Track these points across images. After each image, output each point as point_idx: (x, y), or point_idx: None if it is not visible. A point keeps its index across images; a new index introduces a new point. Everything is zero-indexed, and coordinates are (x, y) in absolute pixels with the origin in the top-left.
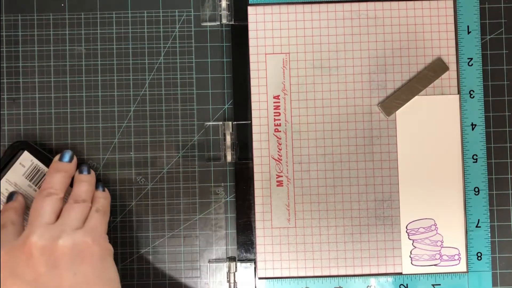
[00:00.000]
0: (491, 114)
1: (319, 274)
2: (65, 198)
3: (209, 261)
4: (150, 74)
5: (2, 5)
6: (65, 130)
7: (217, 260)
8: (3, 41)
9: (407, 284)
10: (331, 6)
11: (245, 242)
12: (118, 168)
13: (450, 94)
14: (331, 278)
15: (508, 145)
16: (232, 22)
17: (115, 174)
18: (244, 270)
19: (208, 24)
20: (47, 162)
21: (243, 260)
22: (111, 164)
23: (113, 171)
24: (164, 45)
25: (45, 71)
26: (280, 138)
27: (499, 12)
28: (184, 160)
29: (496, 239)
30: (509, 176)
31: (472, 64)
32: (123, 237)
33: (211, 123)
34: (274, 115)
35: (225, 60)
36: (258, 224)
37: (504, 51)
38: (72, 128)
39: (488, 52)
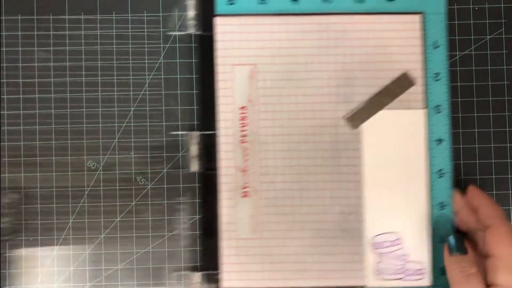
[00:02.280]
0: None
1: (284, 285)
2: None
3: (174, 270)
4: (150, 74)
5: (2, 5)
6: (65, 129)
7: (180, 270)
8: (3, 41)
9: None
10: (300, 18)
11: (210, 253)
12: (118, 168)
13: (416, 109)
14: None
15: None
16: (200, 32)
17: (115, 174)
18: (208, 281)
19: (177, 33)
20: None
21: (208, 271)
22: (111, 164)
23: (113, 171)
24: (164, 45)
25: (45, 71)
26: (247, 149)
27: (499, 12)
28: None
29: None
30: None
31: (439, 79)
32: (123, 237)
33: (178, 132)
34: (241, 126)
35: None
36: (224, 235)
37: (504, 51)
38: (72, 128)
39: (488, 52)
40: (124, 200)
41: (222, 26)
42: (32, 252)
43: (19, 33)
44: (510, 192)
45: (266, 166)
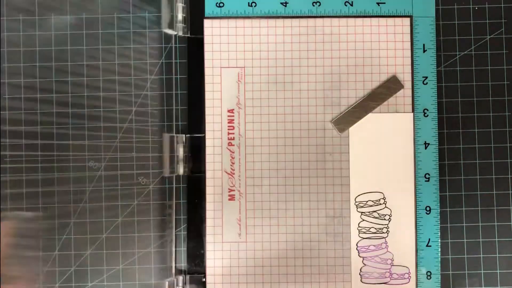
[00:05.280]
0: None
1: None
2: None
3: (159, 272)
4: (151, 74)
5: (2, 5)
6: (66, 130)
7: (166, 274)
8: (3, 41)
9: None
10: (288, 21)
11: (195, 256)
12: (120, 168)
13: (404, 112)
14: None
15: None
16: (188, 35)
17: (116, 174)
18: (193, 284)
19: (169, 31)
20: None
21: (193, 274)
22: (112, 164)
23: (114, 171)
24: (166, 45)
25: (46, 71)
26: (234, 152)
27: (499, 12)
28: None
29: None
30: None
31: (427, 83)
32: (123, 237)
33: (167, 134)
34: (228, 129)
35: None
36: (209, 238)
37: (504, 51)
38: (74, 128)
39: (488, 52)
40: (126, 200)
41: (211, 29)
42: (33, 252)
43: (20, 33)
44: (510, 192)
45: (253, 169)
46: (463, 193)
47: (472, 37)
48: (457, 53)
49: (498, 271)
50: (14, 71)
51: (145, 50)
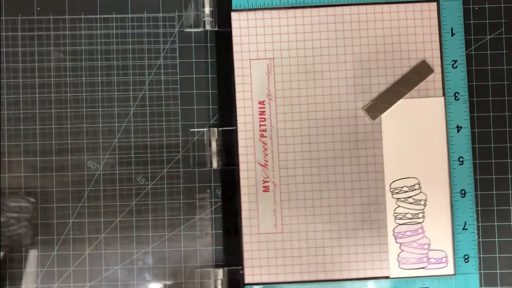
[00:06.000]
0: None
1: (307, 279)
2: None
3: (196, 268)
4: (150, 73)
5: (2, 5)
6: (65, 129)
7: (204, 266)
8: (3, 42)
9: None
10: (315, 10)
11: (232, 248)
12: (118, 168)
13: (435, 97)
14: (319, 283)
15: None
16: (216, 28)
17: (115, 174)
18: (231, 276)
19: (192, 30)
20: None
21: (230, 266)
22: (111, 164)
23: (113, 171)
24: (164, 45)
25: (45, 70)
26: (266, 144)
27: (499, 12)
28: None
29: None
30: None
31: (456, 67)
32: (123, 237)
33: (196, 129)
34: (260, 121)
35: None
36: (245, 230)
37: (504, 51)
38: (73, 128)
39: (488, 52)
40: (124, 200)
41: (238, 21)
42: (32, 252)
43: (19, 33)
44: (510, 192)
45: (286, 160)
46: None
47: (472, 37)
48: None
49: (498, 271)
50: (12, 71)
51: (144, 49)
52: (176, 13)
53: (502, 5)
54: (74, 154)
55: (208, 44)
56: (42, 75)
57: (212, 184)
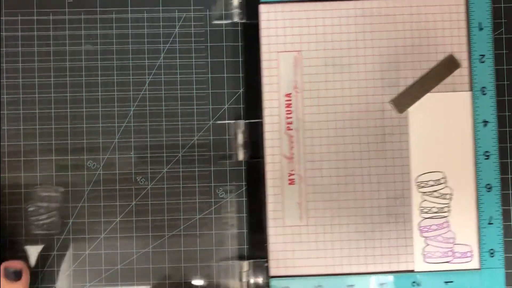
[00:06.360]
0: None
1: (332, 272)
2: None
3: (221, 260)
4: (150, 73)
5: (2, 5)
6: (65, 129)
7: (228, 259)
8: (3, 41)
9: (419, 282)
10: (343, 3)
11: (257, 241)
12: (118, 168)
13: (462, 91)
14: (344, 276)
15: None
16: (244, 21)
17: (115, 174)
18: (256, 268)
19: (223, 22)
20: None
21: (255, 259)
22: (111, 164)
23: (113, 171)
24: (164, 45)
25: (45, 70)
26: (292, 136)
27: (499, 12)
28: (185, 160)
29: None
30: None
31: (484, 61)
32: (123, 237)
33: (226, 121)
34: (286, 113)
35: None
36: (270, 223)
37: (504, 51)
38: (72, 128)
39: None
40: (124, 200)
41: (267, 14)
42: (32, 252)
43: (19, 33)
44: (510, 192)
45: (312, 153)
46: None
47: None
48: None
49: None
50: (12, 71)
51: (144, 49)
52: (177, 13)
53: (502, 5)
54: (74, 154)
55: (208, 44)
56: (41, 74)
57: (212, 184)
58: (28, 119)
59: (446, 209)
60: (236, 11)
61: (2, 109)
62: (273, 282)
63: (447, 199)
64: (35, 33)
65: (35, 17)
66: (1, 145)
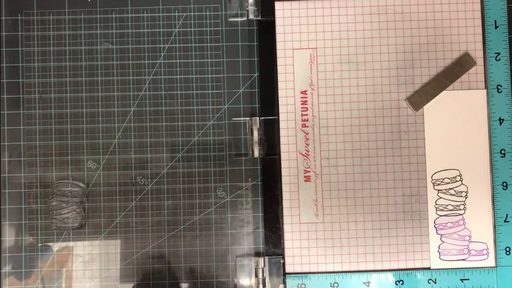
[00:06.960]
0: None
1: (348, 269)
2: None
3: (237, 257)
4: (150, 73)
5: (2, 5)
6: (65, 129)
7: (244, 256)
8: (3, 41)
9: (435, 279)
10: (358, 1)
11: (272, 238)
12: (118, 168)
13: (477, 89)
14: (359, 273)
15: None
16: (259, 18)
17: (115, 174)
18: (272, 265)
19: (239, 20)
20: None
21: (271, 256)
22: (111, 164)
23: (113, 171)
24: (164, 45)
25: (46, 71)
26: (308, 134)
27: None
28: (186, 159)
29: None
30: None
31: (499, 59)
32: (123, 237)
33: (241, 119)
34: (302, 111)
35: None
36: (286, 220)
37: None
38: (73, 128)
39: None
40: (124, 200)
41: (282, 11)
42: (32, 252)
43: (19, 33)
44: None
45: (328, 150)
46: None
47: None
48: None
49: None
50: (12, 71)
51: (144, 49)
52: (177, 13)
53: None
54: (74, 154)
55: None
56: (42, 74)
57: (212, 184)
58: (29, 118)
59: (461, 207)
60: (251, 8)
61: (3, 108)
62: (289, 279)
63: (463, 196)
64: (35, 33)
65: (35, 17)
66: (1, 145)
